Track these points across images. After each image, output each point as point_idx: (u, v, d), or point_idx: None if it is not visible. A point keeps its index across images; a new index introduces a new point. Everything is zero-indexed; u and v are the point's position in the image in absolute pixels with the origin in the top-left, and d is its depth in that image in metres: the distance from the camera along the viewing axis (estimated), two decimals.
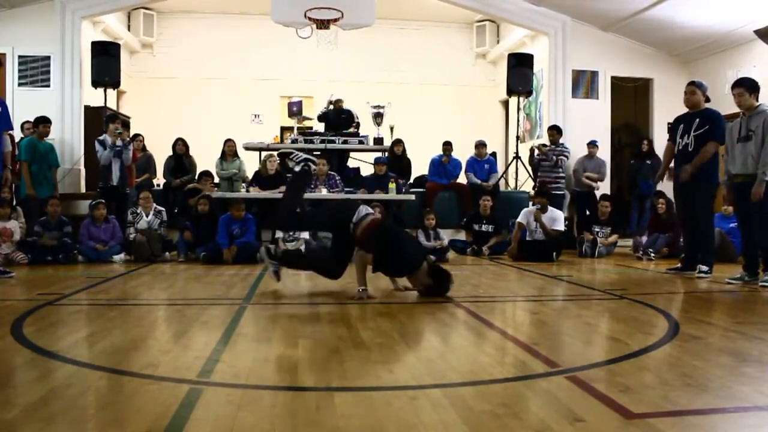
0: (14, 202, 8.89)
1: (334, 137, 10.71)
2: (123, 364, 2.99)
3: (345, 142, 10.77)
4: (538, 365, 3.01)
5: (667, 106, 11.44)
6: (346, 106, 11.55)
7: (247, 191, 9.72)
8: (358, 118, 11.47)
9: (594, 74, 12.47)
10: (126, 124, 10.74)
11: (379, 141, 11.03)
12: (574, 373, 2.81)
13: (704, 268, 6.67)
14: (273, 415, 2.27)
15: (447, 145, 11.04)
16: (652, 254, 9.00)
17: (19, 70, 11.14)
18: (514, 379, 2.79)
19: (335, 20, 10.61)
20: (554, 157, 10.60)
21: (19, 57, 11.12)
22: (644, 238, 9.55)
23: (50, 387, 2.58)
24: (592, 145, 11.08)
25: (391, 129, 11.40)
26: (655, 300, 5.03)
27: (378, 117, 11.08)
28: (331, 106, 11.50)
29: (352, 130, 11.13)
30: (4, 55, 11.08)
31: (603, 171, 11.29)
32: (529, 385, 2.69)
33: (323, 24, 10.65)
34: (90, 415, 2.30)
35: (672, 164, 7.13)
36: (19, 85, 11.09)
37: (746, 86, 6.14)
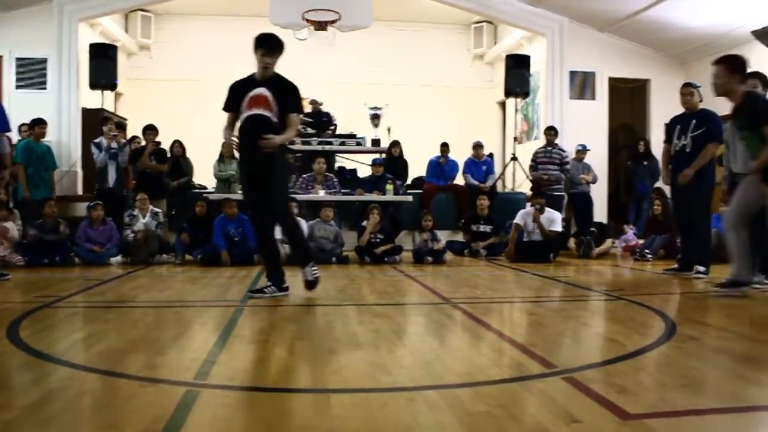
0: (11, 204, 8.87)
1: (331, 138, 10.70)
2: (120, 366, 2.99)
3: (342, 143, 10.77)
4: (534, 366, 3.00)
5: (664, 107, 11.43)
6: (327, 108, 11.46)
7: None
8: (336, 120, 11.42)
9: (591, 75, 12.49)
10: (122, 126, 10.73)
11: (376, 142, 11.04)
12: (570, 374, 2.81)
13: (701, 269, 6.68)
14: (269, 416, 2.27)
15: (444, 147, 11.05)
16: (649, 255, 9.00)
17: (17, 73, 11.12)
18: (510, 380, 2.79)
19: (333, 22, 10.63)
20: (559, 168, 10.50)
21: (17, 59, 11.11)
22: (629, 233, 9.66)
23: (46, 390, 2.58)
24: (582, 150, 11.02)
25: (389, 130, 11.40)
26: (651, 301, 5.03)
27: (375, 118, 11.08)
28: (309, 108, 11.40)
29: (329, 132, 11.08)
30: (1, 57, 11.10)
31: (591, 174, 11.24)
32: (526, 386, 2.68)
33: (321, 25, 10.67)
34: (86, 418, 2.30)
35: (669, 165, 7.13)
36: (17, 87, 11.07)
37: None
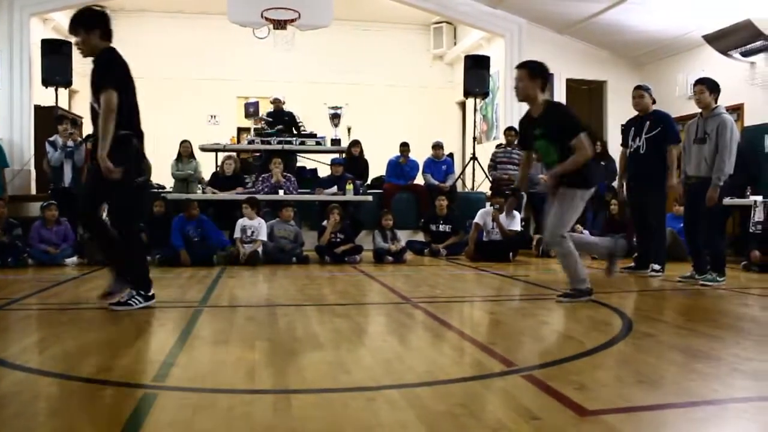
0: None
1: (291, 138, 10.64)
2: (75, 369, 2.93)
3: (302, 143, 10.71)
4: (494, 365, 3.03)
5: (620, 108, 11.63)
6: (288, 107, 11.40)
7: (203, 192, 9.61)
8: (300, 119, 11.36)
9: (550, 76, 12.60)
10: (76, 124, 10.51)
11: (336, 142, 11.02)
12: (530, 371, 2.84)
13: (656, 267, 6.83)
14: (230, 418, 2.25)
15: (404, 146, 11.06)
16: None
17: None
18: (471, 378, 2.81)
19: (292, 21, 10.59)
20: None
21: None
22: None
23: None
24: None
25: (349, 130, 11.38)
26: (609, 299, 5.12)
27: (335, 118, 11.07)
28: (271, 107, 11.31)
29: (294, 132, 11.02)
30: None
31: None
32: (486, 385, 2.71)
33: (280, 24, 10.61)
34: (41, 423, 2.25)
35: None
36: None
37: (707, 84, 6.25)
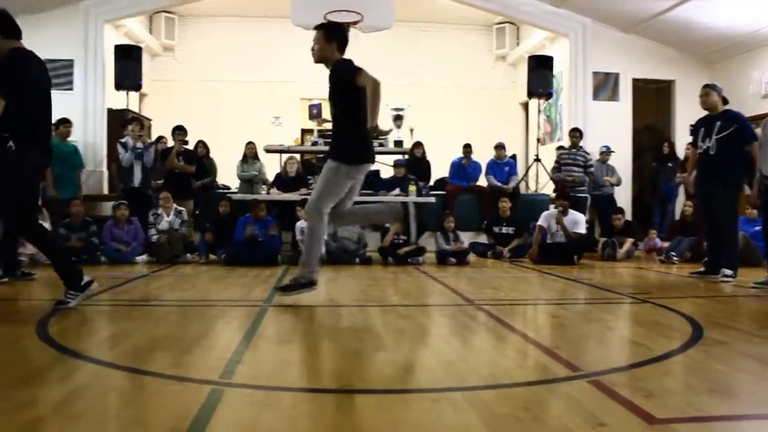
0: (39, 203, 8.97)
1: None
2: (145, 364, 3.01)
3: None
4: (559, 369, 2.98)
5: (689, 108, 11.30)
6: None
7: (268, 193, 9.76)
8: None
9: (615, 76, 12.40)
10: (142, 125, 10.82)
11: (398, 143, 11.03)
12: (596, 377, 2.78)
13: (728, 272, 6.59)
14: (294, 416, 2.28)
15: (467, 148, 11.01)
16: (675, 258, 8.90)
17: None
18: (535, 382, 2.77)
19: (355, 23, 10.63)
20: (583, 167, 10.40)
21: (44, 61, 11.23)
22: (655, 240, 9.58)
23: (74, 386, 2.60)
24: (606, 152, 10.92)
25: (411, 131, 11.39)
26: (678, 304, 4.97)
27: (398, 119, 11.09)
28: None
29: None
30: None
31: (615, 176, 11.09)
32: (551, 389, 2.67)
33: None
34: (113, 415, 2.32)
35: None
36: None
37: None
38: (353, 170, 4.75)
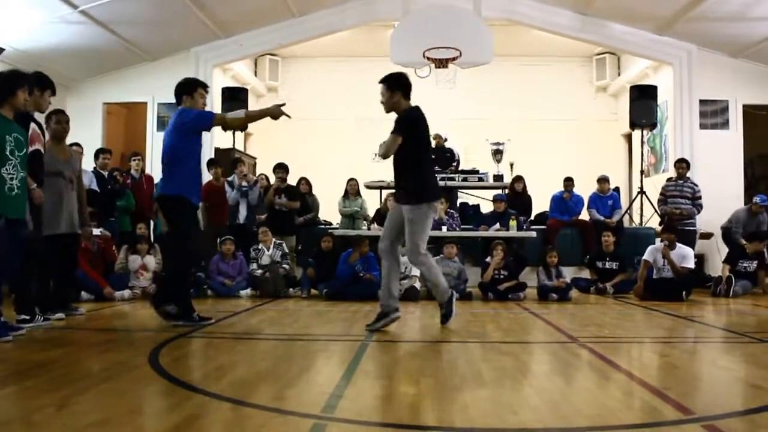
0: (151, 239, 9.43)
1: (453, 174, 10.73)
2: (250, 396, 3.09)
3: (464, 179, 10.77)
4: (669, 411, 2.85)
5: None
6: (450, 144, 11.51)
7: (368, 229, 9.88)
8: (458, 156, 11.42)
9: (724, 103, 11.92)
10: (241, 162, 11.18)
11: (498, 178, 10.97)
12: (710, 421, 2.63)
13: None
14: None
15: (568, 181, 10.81)
16: None
17: (158, 117, 11.99)
18: (644, 425, 2.66)
19: (453, 59, 10.71)
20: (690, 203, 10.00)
21: (159, 105, 12.00)
22: None
23: (183, 416, 2.70)
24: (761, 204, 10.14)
25: (511, 166, 11.30)
26: None
27: (497, 153, 11.04)
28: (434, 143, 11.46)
29: (452, 168, 11.08)
30: (146, 103, 12.02)
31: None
32: None
33: (442, 63, 10.77)
34: None
35: None
36: (158, 130, 11.89)
37: None
38: (433, 206, 5.43)
